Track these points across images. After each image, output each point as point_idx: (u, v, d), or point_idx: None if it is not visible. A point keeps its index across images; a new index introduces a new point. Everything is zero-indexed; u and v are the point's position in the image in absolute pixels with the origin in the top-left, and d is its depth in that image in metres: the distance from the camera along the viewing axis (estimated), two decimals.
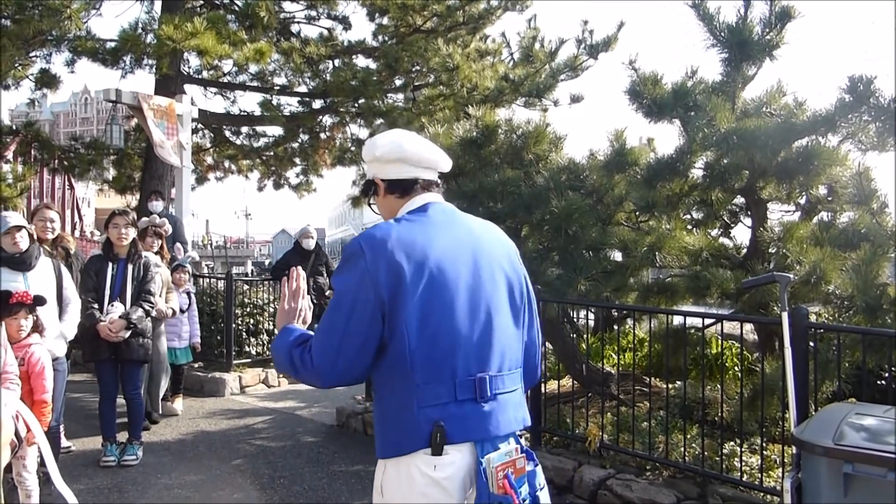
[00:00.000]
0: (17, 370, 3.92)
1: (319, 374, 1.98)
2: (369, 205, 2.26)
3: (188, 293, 7.34)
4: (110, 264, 5.50)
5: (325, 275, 9.40)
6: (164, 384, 6.94)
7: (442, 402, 1.93)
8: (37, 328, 4.30)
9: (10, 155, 12.26)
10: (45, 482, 4.16)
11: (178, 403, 7.26)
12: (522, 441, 2.10)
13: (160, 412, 6.91)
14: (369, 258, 1.93)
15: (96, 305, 5.38)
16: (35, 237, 5.04)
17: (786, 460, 4.37)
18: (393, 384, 1.97)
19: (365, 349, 1.95)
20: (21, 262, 4.71)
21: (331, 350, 1.95)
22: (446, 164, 2.22)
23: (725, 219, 6.40)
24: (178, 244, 8.48)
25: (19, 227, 4.72)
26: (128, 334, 5.39)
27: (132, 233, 5.55)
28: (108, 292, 5.44)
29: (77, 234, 21.35)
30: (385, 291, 1.91)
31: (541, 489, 2.06)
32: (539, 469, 2.08)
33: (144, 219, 7.42)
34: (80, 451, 5.79)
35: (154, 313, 5.73)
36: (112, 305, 5.40)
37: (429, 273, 1.94)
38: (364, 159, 2.22)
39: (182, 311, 7.06)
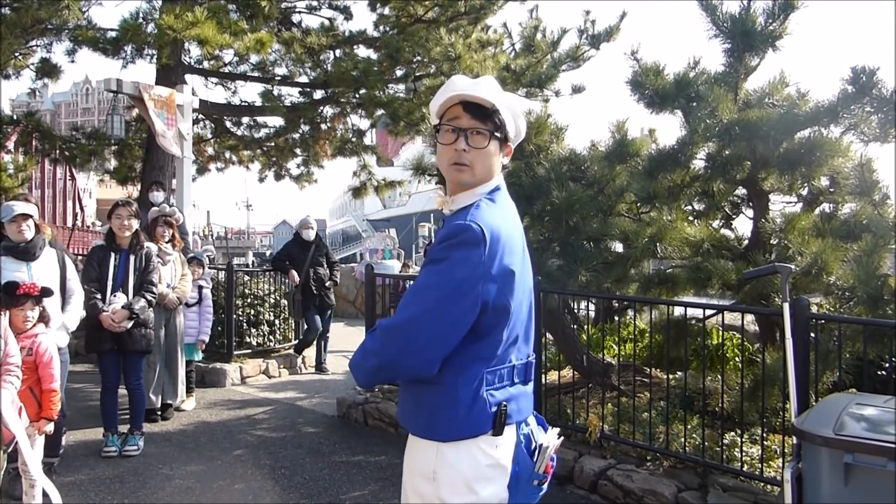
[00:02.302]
0: (20, 361, 3.93)
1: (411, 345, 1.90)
2: (485, 132, 2.05)
3: (200, 288, 7.26)
4: (113, 255, 5.51)
5: (326, 265, 9.40)
6: (181, 377, 6.79)
7: (504, 385, 2.00)
8: (43, 319, 4.30)
9: (11, 145, 12.25)
10: (46, 472, 4.19)
11: (190, 403, 7.17)
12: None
13: (174, 404, 6.79)
14: (488, 250, 1.88)
15: (99, 296, 5.39)
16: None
17: (786, 450, 4.38)
18: (467, 369, 1.94)
19: (461, 320, 1.89)
20: (25, 252, 4.72)
21: (427, 313, 1.88)
22: None
23: (727, 210, 6.38)
24: (194, 237, 8.48)
25: (26, 216, 4.72)
26: (130, 324, 5.40)
27: (135, 224, 5.55)
28: (110, 283, 5.45)
29: (79, 224, 21.34)
30: (493, 285, 1.91)
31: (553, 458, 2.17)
32: None
33: (155, 208, 7.38)
34: (82, 442, 5.81)
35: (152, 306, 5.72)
36: (115, 296, 5.42)
37: (517, 260, 2.01)
38: (515, 115, 2.11)
39: (188, 305, 7.00)
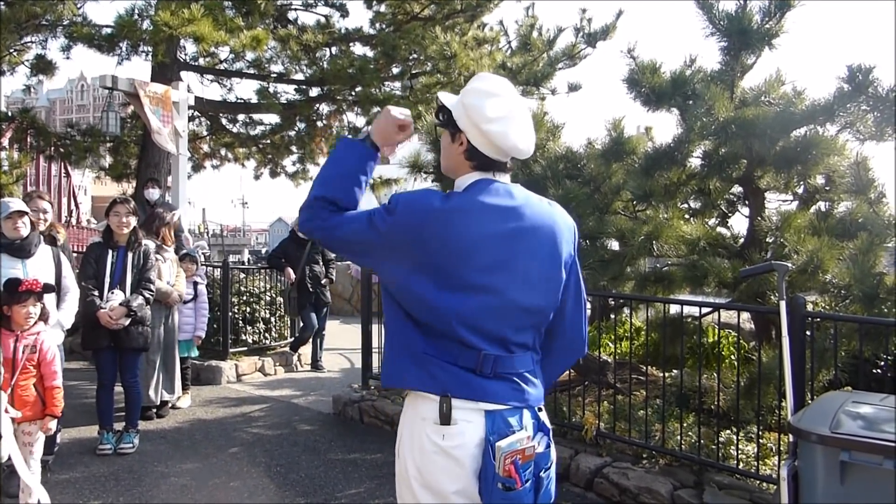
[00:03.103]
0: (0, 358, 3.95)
1: (308, 230, 2.16)
2: (436, 127, 2.28)
3: (195, 284, 7.24)
4: (110, 252, 5.49)
5: (322, 263, 9.38)
6: (177, 374, 6.79)
7: (446, 360, 2.01)
8: (43, 316, 4.29)
9: (5, 142, 12.19)
10: (42, 469, 4.18)
11: (185, 400, 7.14)
12: (542, 415, 2.14)
13: (170, 403, 6.78)
14: (397, 215, 2.01)
15: (96, 293, 5.37)
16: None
17: (782, 448, 4.39)
18: (400, 321, 2.07)
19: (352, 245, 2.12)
20: (21, 249, 4.69)
21: (335, 222, 2.09)
22: (530, 152, 2.18)
23: (723, 208, 6.39)
24: (185, 235, 8.46)
25: (21, 213, 4.70)
26: (127, 322, 5.39)
27: (133, 221, 5.54)
28: (107, 280, 5.43)
29: (74, 221, 21.31)
30: (394, 244, 2.01)
31: (546, 469, 2.11)
32: (551, 448, 2.13)
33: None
34: (77, 440, 5.79)
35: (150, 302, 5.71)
36: (112, 293, 5.40)
37: (455, 248, 1.98)
38: (463, 102, 2.08)
39: (185, 302, 6.99)
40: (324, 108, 12.79)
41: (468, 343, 2.00)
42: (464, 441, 1.97)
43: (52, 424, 4.20)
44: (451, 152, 2.14)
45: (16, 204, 4.73)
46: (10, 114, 11.84)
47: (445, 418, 1.97)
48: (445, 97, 2.15)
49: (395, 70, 11.64)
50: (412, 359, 2.04)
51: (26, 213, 4.75)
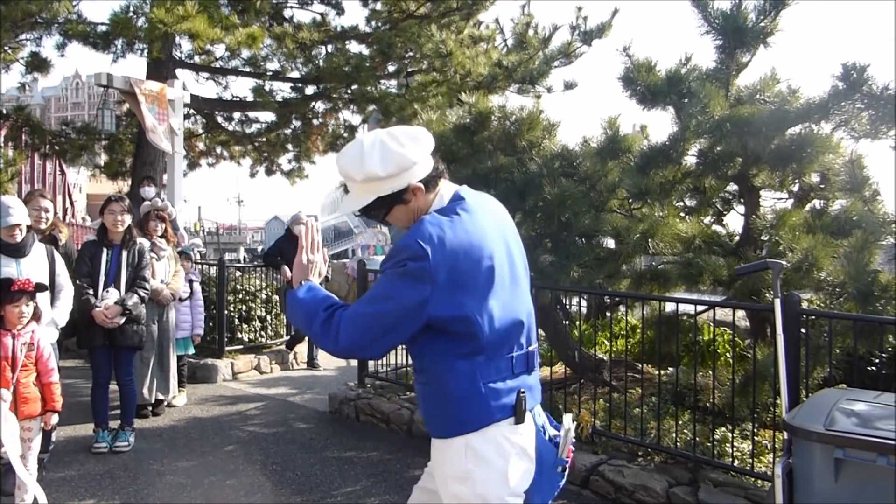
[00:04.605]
0: None
1: (342, 350, 2.05)
2: (384, 220, 2.17)
3: (191, 281, 7.23)
4: (105, 250, 5.48)
5: None
6: (173, 372, 6.78)
7: (502, 376, 2.03)
8: (35, 315, 4.29)
9: (0, 140, 12.16)
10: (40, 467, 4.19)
11: (181, 398, 7.13)
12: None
13: (166, 401, 6.75)
14: (432, 259, 1.94)
15: (91, 291, 5.36)
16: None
17: (777, 446, 4.40)
18: (452, 365, 2.01)
19: (396, 342, 2.03)
20: (16, 249, 4.69)
21: (367, 336, 1.99)
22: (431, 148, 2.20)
23: (718, 206, 6.39)
24: (181, 232, 8.47)
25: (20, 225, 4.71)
26: (122, 320, 5.38)
27: (128, 219, 5.53)
28: (102, 278, 5.43)
29: (69, 219, 21.26)
30: (445, 285, 1.94)
31: None
32: None
33: (147, 202, 7.35)
34: (72, 438, 5.78)
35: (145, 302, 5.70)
36: (107, 291, 5.39)
37: (485, 263, 2.01)
38: (378, 177, 2.05)
39: (181, 300, 6.97)
40: (320, 106, 12.80)
41: (525, 341, 2.09)
42: (531, 436, 2.05)
43: (54, 419, 4.26)
44: (415, 204, 2.13)
45: (16, 217, 4.68)
46: (4, 111, 11.81)
47: (522, 415, 2.00)
48: (362, 201, 2.12)
49: (391, 68, 11.65)
50: (475, 399, 2.00)
51: (23, 224, 4.75)
